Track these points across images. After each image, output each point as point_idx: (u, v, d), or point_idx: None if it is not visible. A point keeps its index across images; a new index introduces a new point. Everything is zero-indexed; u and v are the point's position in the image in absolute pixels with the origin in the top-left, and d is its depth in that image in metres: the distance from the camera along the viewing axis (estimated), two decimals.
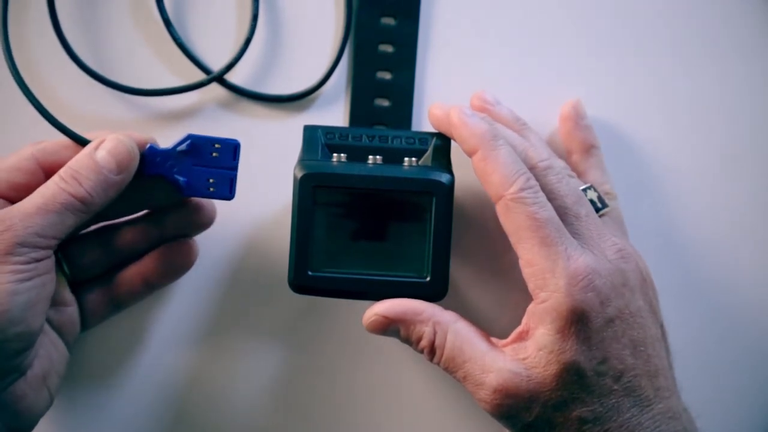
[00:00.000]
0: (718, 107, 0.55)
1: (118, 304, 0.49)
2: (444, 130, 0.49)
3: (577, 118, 0.53)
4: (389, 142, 0.50)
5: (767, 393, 0.55)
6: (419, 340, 0.46)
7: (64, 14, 0.51)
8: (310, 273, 0.46)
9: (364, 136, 0.50)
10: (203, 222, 0.49)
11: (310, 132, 0.50)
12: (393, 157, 0.49)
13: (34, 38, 0.51)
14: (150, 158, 0.46)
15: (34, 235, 0.42)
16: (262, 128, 0.53)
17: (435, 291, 0.47)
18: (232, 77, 0.53)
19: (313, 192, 0.46)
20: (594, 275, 0.44)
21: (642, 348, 0.45)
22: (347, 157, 0.48)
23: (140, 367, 0.53)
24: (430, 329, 0.45)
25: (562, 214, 0.46)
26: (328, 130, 0.50)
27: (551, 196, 0.46)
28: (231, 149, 0.47)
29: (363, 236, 0.47)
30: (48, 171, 0.45)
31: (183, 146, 0.46)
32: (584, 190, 0.49)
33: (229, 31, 0.53)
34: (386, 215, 0.47)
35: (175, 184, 0.46)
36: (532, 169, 0.47)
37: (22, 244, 0.41)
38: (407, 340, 0.46)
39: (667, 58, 0.54)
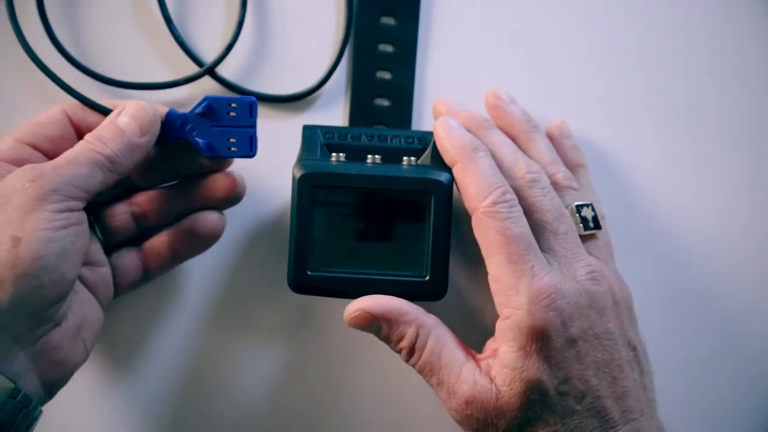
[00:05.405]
0: (714, 117, 0.54)
1: (147, 271, 0.50)
2: None
3: (561, 139, 0.52)
4: (388, 141, 0.50)
5: (766, 402, 0.55)
6: (400, 339, 0.46)
7: (52, 6, 0.51)
8: (309, 273, 0.46)
9: (363, 136, 0.50)
10: (230, 193, 0.49)
11: (309, 132, 0.50)
12: (392, 156, 0.49)
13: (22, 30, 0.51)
14: (170, 123, 0.47)
15: (66, 184, 0.43)
16: (261, 128, 0.53)
17: (434, 290, 0.47)
18: (230, 77, 0.53)
19: (312, 191, 0.46)
20: (557, 295, 0.44)
21: (607, 370, 0.45)
22: (346, 157, 0.48)
23: (139, 366, 0.53)
24: (413, 331, 0.46)
25: (540, 228, 0.46)
26: (327, 130, 0.50)
27: (532, 209, 0.46)
28: (247, 107, 0.47)
29: (362, 236, 0.47)
30: (76, 126, 0.47)
31: (200, 108, 0.47)
32: (582, 206, 0.49)
33: (228, 30, 0.53)
34: (385, 214, 0.47)
35: (196, 146, 0.47)
36: (517, 180, 0.47)
37: (55, 191, 0.42)
38: (386, 339, 0.46)
39: (665, 67, 0.54)
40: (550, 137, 0.52)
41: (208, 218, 0.49)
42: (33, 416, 0.42)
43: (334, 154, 0.48)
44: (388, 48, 0.54)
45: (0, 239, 0.41)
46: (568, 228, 0.47)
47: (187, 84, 0.52)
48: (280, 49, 0.53)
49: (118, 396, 0.53)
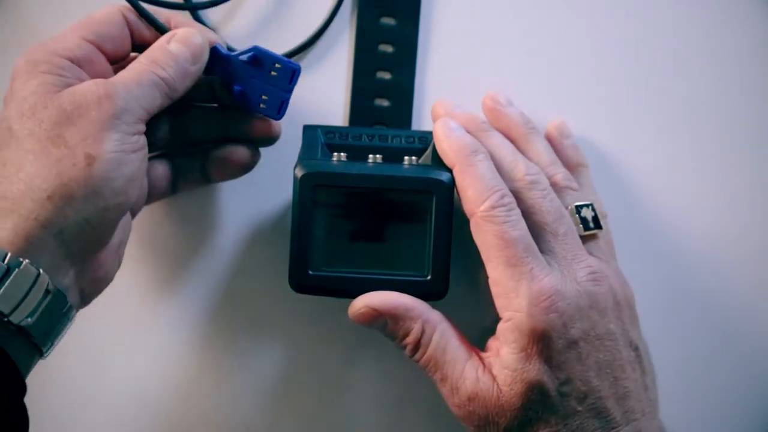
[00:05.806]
0: (714, 117, 0.54)
1: (175, 186, 0.50)
2: None
3: (560, 138, 0.52)
4: (389, 141, 0.50)
5: (766, 402, 0.55)
6: (406, 335, 0.46)
7: None
8: (310, 272, 0.46)
9: (364, 136, 0.50)
10: (266, 132, 0.49)
11: (310, 132, 0.50)
12: (393, 156, 0.49)
13: None
14: (212, 58, 0.47)
15: (135, 103, 0.43)
16: None
17: (436, 290, 0.47)
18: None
19: (314, 191, 0.46)
20: (557, 296, 0.44)
21: (608, 370, 0.45)
22: (347, 157, 0.48)
23: (140, 365, 0.53)
24: (419, 326, 0.46)
25: (540, 230, 0.46)
26: (328, 130, 0.50)
27: (531, 211, 0.46)
28: (289, 72, 0.47)
29: (363, 235, 0.47)
30: (130, 29, 0.46)
31: (245, 56, 0.47)
32: (582, 207, 0.49)
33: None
34: (387, 214, 0.47)
35: (229, 90, 0.47)
36: (517, 182, 0.47)
37: (126, 110, 0.42)
38: (391, 334, 0.46)
39: (665, 67, 0.54)
40: (550, 137, 0.53)
41: (243, 152, 0.50)
42: (69, 325, 0.43)
43: (335, 153, 0.48)
44: (388, 48, 0.54)
45: (75, 154, 0.41)
46: (567, 229, 0.47)
47: (167, 10, 0.51)
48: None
49: (118, 395, 0.53)
